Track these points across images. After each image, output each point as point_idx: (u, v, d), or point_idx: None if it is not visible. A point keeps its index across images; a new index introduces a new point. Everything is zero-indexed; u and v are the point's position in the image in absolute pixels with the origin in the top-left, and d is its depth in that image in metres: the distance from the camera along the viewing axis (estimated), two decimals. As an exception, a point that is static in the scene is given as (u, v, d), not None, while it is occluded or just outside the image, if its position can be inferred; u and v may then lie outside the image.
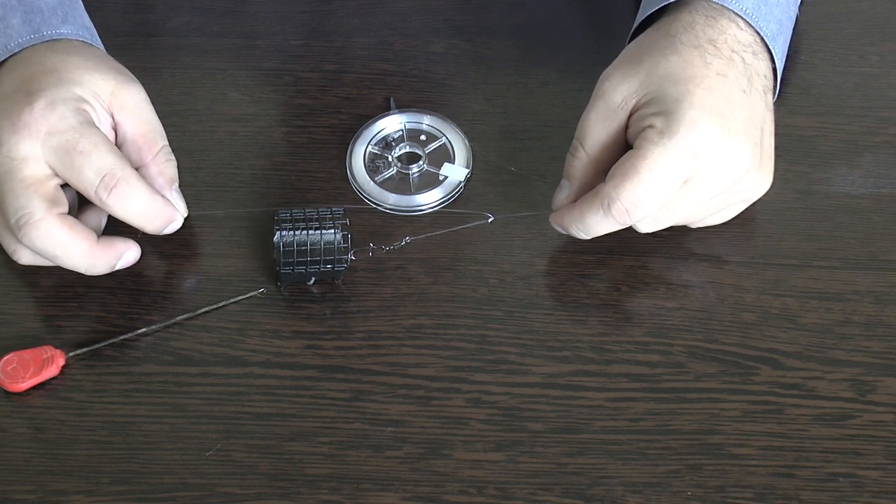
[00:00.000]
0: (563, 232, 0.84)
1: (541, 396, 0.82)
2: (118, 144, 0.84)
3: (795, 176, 0.91)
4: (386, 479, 0.79)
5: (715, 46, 0.82)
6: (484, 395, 0.82)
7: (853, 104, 0.95)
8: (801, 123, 0.93)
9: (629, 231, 0.84)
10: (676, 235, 0.88)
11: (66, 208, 0.82)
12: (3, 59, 0.84)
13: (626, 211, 0.80)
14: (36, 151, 0.81)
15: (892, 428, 0.81)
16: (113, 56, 0.88)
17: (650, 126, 0.80)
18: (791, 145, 0.92)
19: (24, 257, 0.83)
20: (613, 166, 0.81)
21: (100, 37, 0.89)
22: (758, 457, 0.80)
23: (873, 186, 0.91)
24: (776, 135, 0.84)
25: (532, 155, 0.92)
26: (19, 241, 0.81)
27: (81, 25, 0.87)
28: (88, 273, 0.83)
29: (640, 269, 0.87)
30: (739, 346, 0.84)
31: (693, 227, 0.87)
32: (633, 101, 0.82)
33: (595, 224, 0.82)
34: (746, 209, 0.87)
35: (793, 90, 0.95)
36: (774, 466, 0.79)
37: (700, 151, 0.80)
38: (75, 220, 0.82)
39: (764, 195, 0.85)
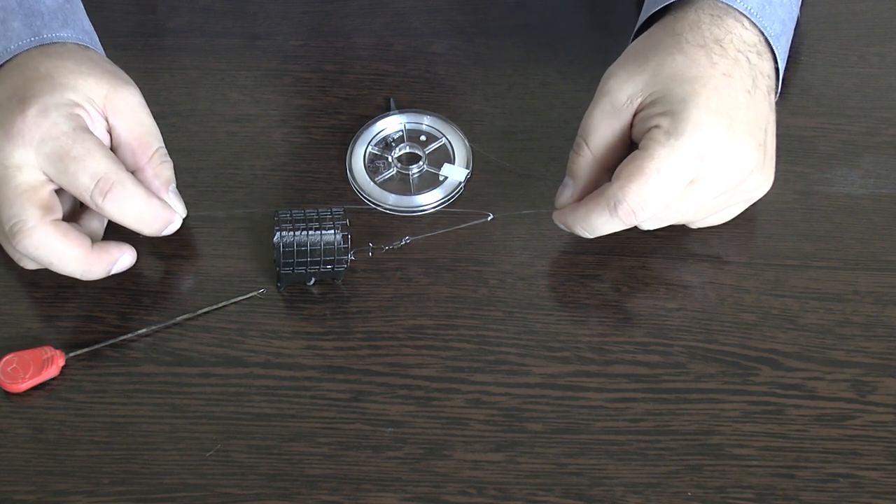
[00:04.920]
0: (567, 230, 0.84)
1: (541, 397, 0.82)
2: (113, 148, 0.84)
3: (795, 176, 0.91)
4: (386, 480, 0.79)
5: (721, 46, 0.82)
6: (484, 395, 0.82)
7: (853, 104, 0.95)
8: (801, 124, 0.94)
9: (629, 231, 0.84)
10: (676, 236, 0.88)
11: (59, 215, 0.82)
12: (2, 62, 0.84)
13: (633, 212, 0.80)
14: (30, 159, 0.81)
15: (892, 428, 0.81)
16: (113, 56, 0.88)
17: (656, 126, 0.80)
18: (791, 146, 0.92)
19: (29, 264, 0.84)
20: (619, 166, 0.81)
21: (101, 37, 0.89)
22: (758, 457, 0.80)
23: (873, 187, 0.91)
24: (776, 136, 0.84)
25: (532, 155, 0.92)
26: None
27: (81, 29, 0.87)
28: (84, 278, 0.83)
29: (640, 270, 0.87)
30: (739, 346, 0.84)
31: (693, 227, 0.87)
32: (639, 100, 0.82)
33: (601, 224, 0.82)
34: (746, 209, 0.87)
35: (793, 90, 0.95)
36: (774, 467, 0.79)
37: (706, 152, 0.80)
38: (70, 226, 0.82)
39: (764, 195, 0.85)
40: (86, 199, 0.81)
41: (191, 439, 0.80)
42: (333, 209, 0.85)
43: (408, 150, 0.93)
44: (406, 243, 0.87)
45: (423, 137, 0.93)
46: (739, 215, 0.87)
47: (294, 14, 1.00)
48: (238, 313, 0.85)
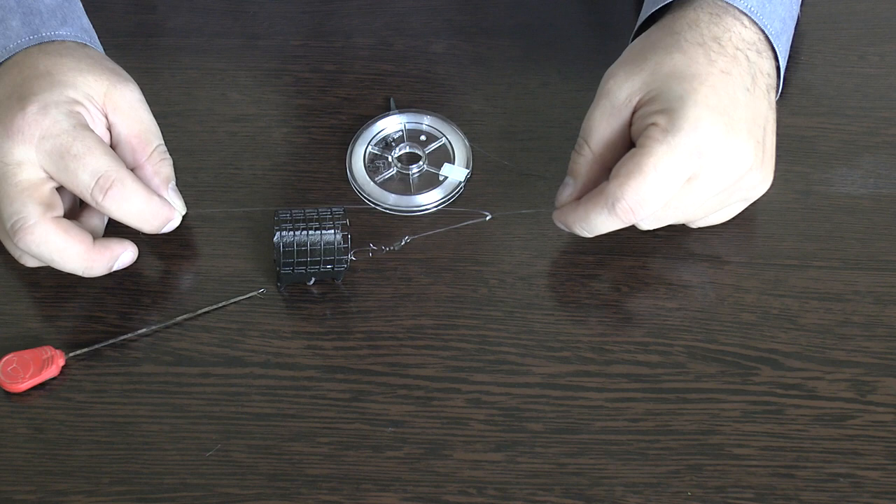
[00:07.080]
0: (566, 229, 0.84)
1: (541, 397, 0.82)
2: (113, 145, 0.84)
3: (795, 176, 0.91)
4: (386, 480, 0.79)
5: (719, 44, 0.82)
6: (484, 395, 0.82)
7: (853, 104, 0.95)
8: (801, 123, 0.94)
9: (629, 231, 0.84)
10: (676, 235, 0.88)
11: (61, 212, 0.82)
12: (1, 60, 0.85)
13: (631, 210, 0.80)
14: (30, 156, 0.81)
15: (891, 428, 0.81)
16: (113, 56, 0.88)
17: (654, 124, 0.80)
18: (791, 145, 0.92)
19: (30, 262, 0.84)
20: (617, 165, 0.81)
21: (100, 37, 0.89)
22: (758, 457, 0.80)
23: (873, 186, 0.91)
24: (776, 135, 0.84)
25: (532, 155, 0.92)
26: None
27: (80, 27, 0.87)
28: (85, 275, 0.83)
29: (640, 270, 0.87)
30: (739, 346, 0.84)
31: (693, 226, 0.87)
32: (637, 99, 0.82)
33: (599, 223, 0.82)
34: (746, 209, 0.87)
35: (793, 90, 0.95)
36: (774, 467, 0.79)
37: (704, 150, 0.80)
38: (71, 223, 0.82)
39: (764, 195, 0.85)
40: (86, 196, 0.81)
41: (191, 439, 0.80)
42: (333, 209, 0.85)
43: (408, 149, 0.93)
44: (406, 243, 0.87)
45: (423, 137, 0.93)
46: (739, 215, 0.87)
47: (294, 14, 1.00)
48: (238, 313, 0.85)
